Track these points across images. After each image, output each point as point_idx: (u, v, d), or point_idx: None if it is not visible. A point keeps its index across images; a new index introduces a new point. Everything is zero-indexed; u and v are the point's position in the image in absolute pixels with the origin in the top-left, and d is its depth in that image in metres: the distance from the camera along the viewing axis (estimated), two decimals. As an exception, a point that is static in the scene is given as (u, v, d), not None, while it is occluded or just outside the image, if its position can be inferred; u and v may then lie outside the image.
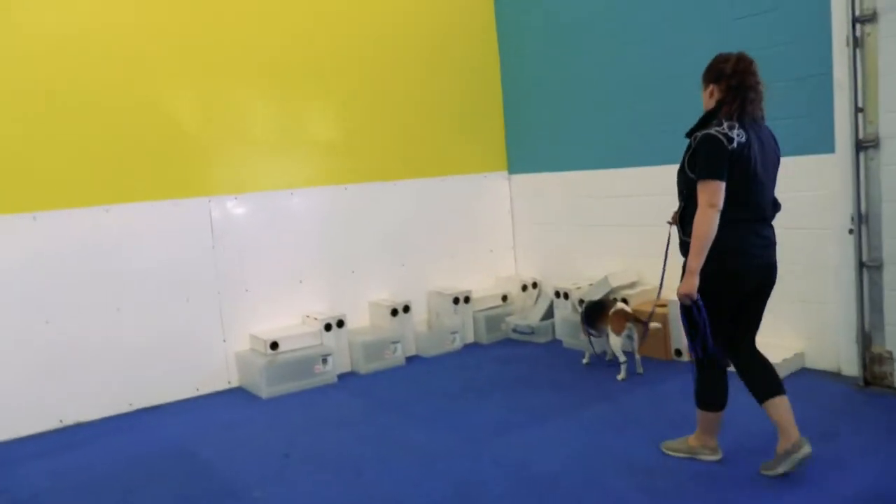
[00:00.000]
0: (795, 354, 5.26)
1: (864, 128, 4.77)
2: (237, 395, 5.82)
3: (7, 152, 5.10)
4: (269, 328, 6.09)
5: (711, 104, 3.66)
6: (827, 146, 4.98)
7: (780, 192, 3.68)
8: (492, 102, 7.54)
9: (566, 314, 6.53)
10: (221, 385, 5.97)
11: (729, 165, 3.48)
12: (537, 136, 7.32)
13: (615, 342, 5.50)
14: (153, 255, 5.64)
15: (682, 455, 3.98)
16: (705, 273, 3.55)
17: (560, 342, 6.61)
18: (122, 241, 5.52)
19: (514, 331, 6.97)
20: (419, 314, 6.88)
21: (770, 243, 3.73)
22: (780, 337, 5.31)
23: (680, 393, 5.06)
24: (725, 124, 3.51)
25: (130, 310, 5.55)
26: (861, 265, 4.87)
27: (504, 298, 7.20)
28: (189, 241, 5.80)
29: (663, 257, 4.16)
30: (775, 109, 3.80)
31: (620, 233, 6.56)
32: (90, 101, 5.37)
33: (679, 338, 5.78)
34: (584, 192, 6.88)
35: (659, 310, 5.86)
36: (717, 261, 3.54)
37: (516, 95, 7.49)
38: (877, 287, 4.85)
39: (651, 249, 6.22)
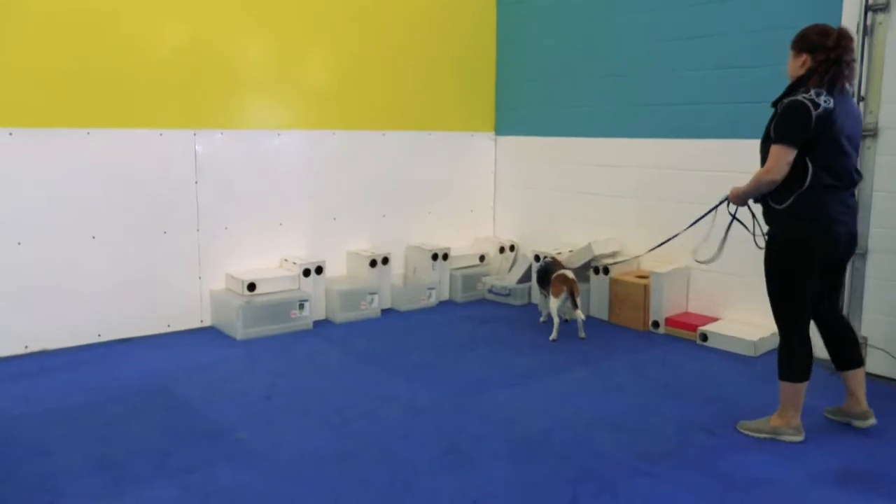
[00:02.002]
0: (772, 333, 5.36)
1: (865, 117, 4.81)
2: (210, 335, 5.69)
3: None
4: (247, 269, 5.95)
5: (801, 72, 3.69)
6: (824, 132, 5.02)
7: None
8: (485, 61, 7.41)
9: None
10: (194, 323, 5.83)
11: (815, 130, 3.53)
12: (527, 99, 7.24)
13: (552, 304, 5.68)
14: (133, 184, 5.43)
15: (762, 436, 3.85)
16: (791, 238, 3.67)
17: (535, 306, 6.62)
18: (102, 166, 5.29)
19: (490, 291, 6.96)
20: (396, 268, 6.81)
21: (852, 211, 3.78)
22: (759, 315, 5.40)
23: (658, 363, 5.14)
24: (813, 91, 3.56)
25: (105, 238, 5.35)
26: (846, 252, 4.96)
27: (482, 259, 7.18)
28: (171, 174, 5.59)
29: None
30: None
31: (605, 202, 6.57)
32: (81, 23, 5.09)
33: (657, 310, 5.86)
34: (571, 158, 6.85)
35: (640, 280, 5.93)
36: (804, 226, 3.63)
37: (510, 56, 7.38)
38: (859, 274, 4.95)
39: (635, 221, 6.29)
